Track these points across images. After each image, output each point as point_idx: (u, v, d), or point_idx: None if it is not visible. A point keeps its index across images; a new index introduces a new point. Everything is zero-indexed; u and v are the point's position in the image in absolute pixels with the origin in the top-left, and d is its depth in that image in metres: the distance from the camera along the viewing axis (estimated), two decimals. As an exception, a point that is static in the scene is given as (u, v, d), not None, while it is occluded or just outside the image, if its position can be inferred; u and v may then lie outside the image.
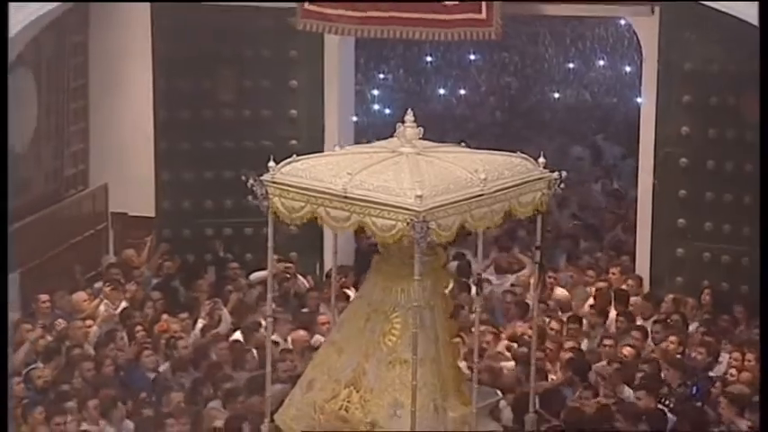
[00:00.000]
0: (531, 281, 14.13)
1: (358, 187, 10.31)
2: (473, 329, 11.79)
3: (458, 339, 11.80)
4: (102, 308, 13.93)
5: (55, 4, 12.95)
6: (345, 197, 10.32)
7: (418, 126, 10.89)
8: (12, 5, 12.77)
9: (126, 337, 13.27)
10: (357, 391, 10.81)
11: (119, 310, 13.93)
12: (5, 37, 12.18)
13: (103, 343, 12.96)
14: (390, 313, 10.86)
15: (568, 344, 13.29)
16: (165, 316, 13.76)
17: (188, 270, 15.32)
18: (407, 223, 9.97)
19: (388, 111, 18.63)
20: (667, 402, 11.72)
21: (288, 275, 14.92)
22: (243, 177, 10.86)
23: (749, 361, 12.46)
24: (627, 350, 12.94)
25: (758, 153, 10.52)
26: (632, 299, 14.31)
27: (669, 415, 11.66)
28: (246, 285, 14.66)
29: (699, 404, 11.80)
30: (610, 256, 15.76)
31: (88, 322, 13.62)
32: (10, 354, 10.39)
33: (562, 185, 10.98)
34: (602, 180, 18.75)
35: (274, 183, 10.67)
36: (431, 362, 10.74)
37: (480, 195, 10.43)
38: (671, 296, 14.32)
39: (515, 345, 13.27)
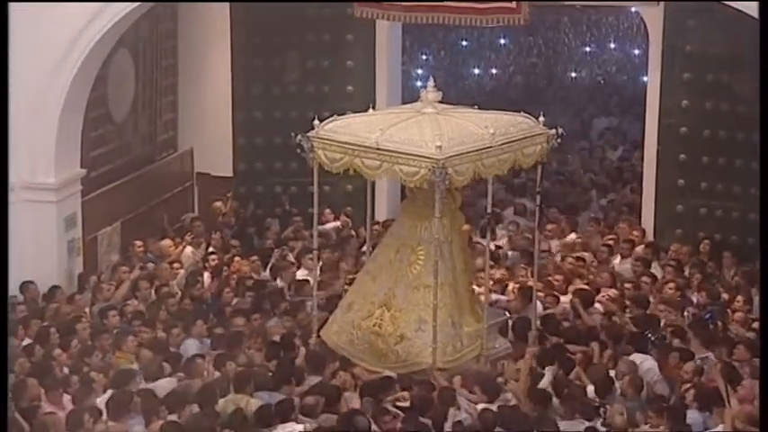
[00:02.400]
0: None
1: (388, 140, 10.60)
2: (485, 261, 11.93)
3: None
4: (187, 252, 14.03)
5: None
6: (377, 149, 10.64)
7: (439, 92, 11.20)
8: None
9: (206, 276, 13.34)
10: (388, 311, 11.15)
11: (200, 254, 14.00)
12: (6, 37, 11.60)
13: (191, 282, 13.05)
14: (416, 246, 11.19)
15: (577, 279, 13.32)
16: (237, 259, 13.81)
17: (260, 221, 15.46)
18: (429, 169, 10.28)
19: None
20: (651, 337, 11.67)
21: (342, 227, 15.13)
22: (292, 134, 11.20)
23: (738, 302, 12.48)
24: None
25: (759, 147, 10.47)
26: (637, 248, 14.28)
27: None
28: (309, 235, 14.54)
29: (711, 326, 11.63)
30: (620, 212, 15.80)
31: (175, 265, 13.68)
32: (10, 354, 10.14)
33: (559, 140, 11.20)
34: (619, 147, 18.77)
35: (318, 138, 11.04)
36: (449, 286, 11.05)
37: (489, 147, 10.72)
38: (674, 246, 14.29)
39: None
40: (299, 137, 11.17)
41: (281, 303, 12.45)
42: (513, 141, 11.00)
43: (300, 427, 9.56)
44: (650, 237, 14.94)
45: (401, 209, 11.87)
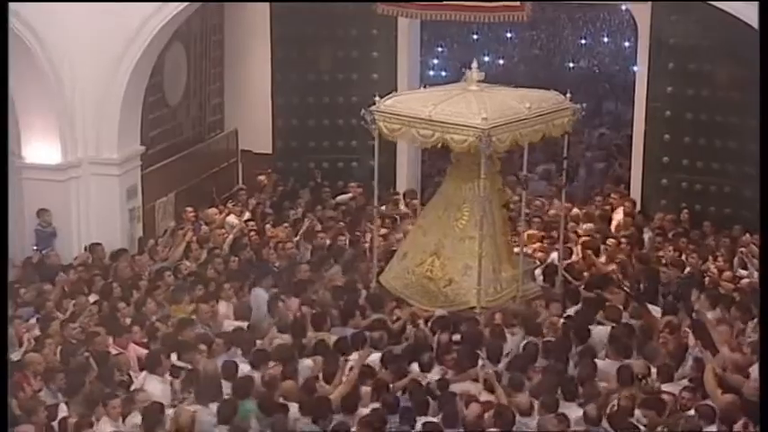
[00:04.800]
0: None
1: (439, 113, 10.78)
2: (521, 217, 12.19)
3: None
4: (231, 219, 13.93)
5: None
6: (431, 120, 10.79)
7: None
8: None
9: (248, 240, 13.25)
10: (438, 259, 11.39)
11: (243, 221, 13.88)
12: (5, 37, 10.89)
13: (236, 246, 12.95)
14: (461, 204, 11.39)
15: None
16: (268, 226, 13.79)
17: (293, 193, 15.40)
18: (476, 137, 10.47)
19: (443, 74, 18.68)
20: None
21: (354, 197, 15.00)
22: (361, 109, 11.45)
23: (719, 262, 12.57)
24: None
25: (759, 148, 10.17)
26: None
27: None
28: (335, 204, 14.78)
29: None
30: (611, 184, 15.79)
31: (221, 230, 13.56)
32: (9, 354, 9.68)
33: (583, 113, 11.40)
34: (608, 127, 18.77)
35: (380, 111, 11.20)
36: (490, 238, 11.26)
37: (526, 119, 10.89)
38: (660, 214, 14.34)
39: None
40: (362, 111, 11.35)
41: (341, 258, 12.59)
42: (545, 114, 11.17)
43: (375, 355, 9.91)
44: (638, 206, 14.91)
45: (447, 173, 12.00)
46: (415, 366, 9.78)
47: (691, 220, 14.21)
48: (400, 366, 9.67)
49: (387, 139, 11.43)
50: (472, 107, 10.81)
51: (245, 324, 10.85)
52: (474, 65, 11.53)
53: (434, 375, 9.64)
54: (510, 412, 8.81)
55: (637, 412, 8.96)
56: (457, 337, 10.34)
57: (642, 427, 8.77)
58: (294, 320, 10.73)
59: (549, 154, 16.52)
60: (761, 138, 9.45)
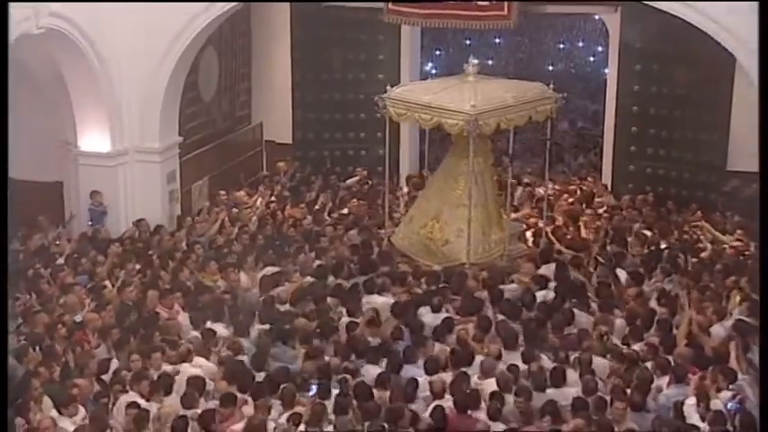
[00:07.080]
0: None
1: (437, 101, 11.29)
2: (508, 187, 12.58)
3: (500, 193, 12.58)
4: (259, 201, 14.17)
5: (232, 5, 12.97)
6: (430, 106, 11.26)
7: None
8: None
9: (272, 219, 13.48)
10: (438, 223, 11.91)
11: (265, 202, 14.19)
12: (5, 37, 10.00)
13: (261, 224, 13.19)
14: (458, 177, 11.87)
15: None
16: (287, 207, 14.06)
17: (309, 178, 15.45)
18: (465, 121, 10.93)
19: (434, 71, 18.74)
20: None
21: (360, 179, 15.29)
22: (369, 105, 12.00)
23: (685, 236, 12.82)
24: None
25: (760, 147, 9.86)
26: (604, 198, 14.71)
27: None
28: (344, 188, 15.05)
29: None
30: (587, 170, 16.17)
31: (249, 210, 13.81)
32: (9, 352, 9.06)
33: (564, 100, 11.75)
34: (583, 122, 19.07)
35: (390, 98, 11.68)
36: (481, 206, 11.77)
37: (511, 106, 11.32)
38: (627, 196, 14.61)
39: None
40: (376, 98, 11.83)
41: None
42: (528, 102, 11.57)
43: (383, 298, 10.56)
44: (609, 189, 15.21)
45: (449, 151, 12.44)
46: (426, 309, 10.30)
47: (655, 201, 14.39)
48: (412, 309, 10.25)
49: (396, 122, 11.81)
50: (464, 95, 11.25)
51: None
52: (473, 60, 11.96)
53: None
54: (467, 353, 9.23)
55: (602, 361, 9.18)
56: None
57: (600, 380, 8.87)
58: (318, 266, 11.33)
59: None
60: (760, 137, 9.49)
